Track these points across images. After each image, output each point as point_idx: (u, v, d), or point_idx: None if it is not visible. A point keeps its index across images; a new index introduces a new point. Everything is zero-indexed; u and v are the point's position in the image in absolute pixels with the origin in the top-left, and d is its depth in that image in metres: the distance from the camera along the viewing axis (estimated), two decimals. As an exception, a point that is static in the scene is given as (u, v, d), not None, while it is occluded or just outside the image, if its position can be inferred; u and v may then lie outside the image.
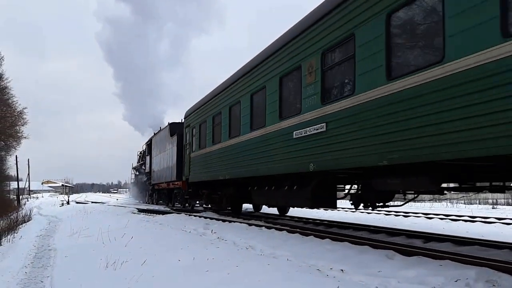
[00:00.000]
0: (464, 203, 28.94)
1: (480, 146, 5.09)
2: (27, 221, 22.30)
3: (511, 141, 4.72)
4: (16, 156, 52.69)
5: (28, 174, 75.70)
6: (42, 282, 7.80)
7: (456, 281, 4.84)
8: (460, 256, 6.14)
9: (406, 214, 17.31)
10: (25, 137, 38.45)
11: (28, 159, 75.75)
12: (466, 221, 13.92)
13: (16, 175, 57.41)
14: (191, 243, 9.14)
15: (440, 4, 5.77)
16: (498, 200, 32.41)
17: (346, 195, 10.00)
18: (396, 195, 9.04)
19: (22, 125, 37.19)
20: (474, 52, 5.19)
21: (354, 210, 18.22)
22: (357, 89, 7.33)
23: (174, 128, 23.94)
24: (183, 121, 20.91)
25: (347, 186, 9.96)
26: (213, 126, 15.38)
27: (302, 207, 11.77)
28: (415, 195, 9.17)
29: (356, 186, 9.43)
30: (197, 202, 21.34)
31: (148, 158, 32.86)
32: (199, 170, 17.21)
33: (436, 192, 7.81)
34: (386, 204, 9.00)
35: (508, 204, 31.42)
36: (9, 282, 7.73)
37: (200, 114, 17.19)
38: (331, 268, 6.03)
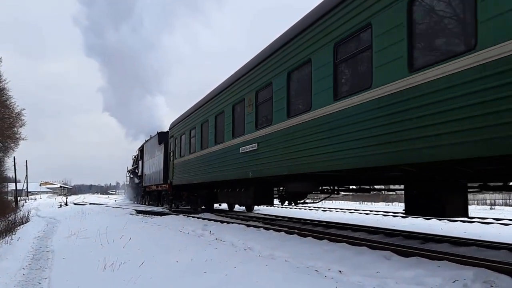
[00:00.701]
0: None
1: (339, 162, 7.56)
2: (25, 223, 22.24)
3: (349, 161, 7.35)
4: (14, 157, 52.62)
5: (26, 175, 75.48)
6: (40, 283, 7.79)
7: (453, 281, 4.84)
8: (458, 257, 6.15)
9: (404, 216, 17.32)
10: (23, 139, 38.34)
11: (26, 161, 75.37)
12: (464, 221, 13.92)
13: (14, 176, 57.33)
14: (189, 244, 9.14)
15: None
16: (496, 200, 32.50)
17: (277, 195, 13.31)
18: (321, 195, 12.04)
19: (20, 127, 37.11)
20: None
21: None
22: (273, 121, 10.24)
23: (162, 137, 26.58)
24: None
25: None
26: (190, 138, 18.37)
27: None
28: (327, 195, 12.01)
29: (281, 188, 12.60)
30: (182, 202, 23.60)
31: (140, 162, 35.47)
32: (180, 175, 20.12)
33: (317, 192, 11.26)
34: (304, 201, 12.55)
35: (506, 204, 31.51)
36: (7, 283, 7.71)
37: (181, 127, 20.19)
38: (329, 269, 6.04)
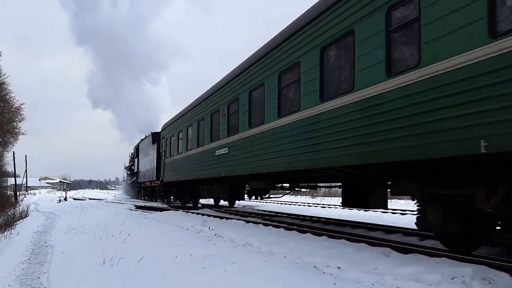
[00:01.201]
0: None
1: (278, 165, 9.82)
2: (24, 217, 22.28)
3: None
4: (13, 152, 52.60)
5: (26, 170, 75.43)
6: (39, 278, 7.81)
7: (452, 278, 4.84)
8: (457, 254, 6.15)
9: (403, 212, 17.34)
10: (22, 133, 38.27)
11: (26, 156, 75.28)
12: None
13: (13, 171, 57.30)
14: (189, 240, 9.14)
15: None
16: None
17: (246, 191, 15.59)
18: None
19: (20, 121, 37.02)
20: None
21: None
22: (239, 130, 12.39)
23: (155, 137, 28.62)
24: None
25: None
26: (178, 140, 20.62)
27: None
28: (288, 191, 14.83)
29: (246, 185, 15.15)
30: (172, 198, 25.99)
31: (136, 160, 37.76)
32: (170, 173, 22.42)
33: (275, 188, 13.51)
34: (269, 196, 15.10)
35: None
36: (6, 278, 7.73)
37: (171, 129, 22.51)
38: (328, 265, 6.04)
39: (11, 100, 35.16)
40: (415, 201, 7.05)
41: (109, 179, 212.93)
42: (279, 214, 16.97)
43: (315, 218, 14.21)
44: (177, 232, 10.68)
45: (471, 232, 6.26)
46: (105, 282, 6.39)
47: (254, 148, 11.27)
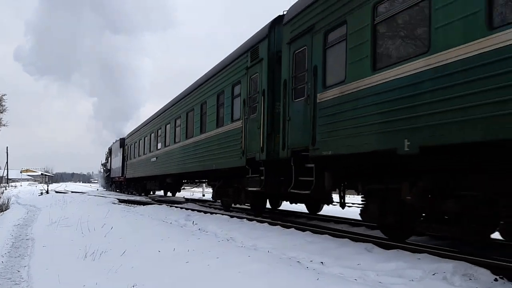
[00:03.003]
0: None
1: (175, 169, 19.28)
2: (5, 210, 21.92)
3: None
4: (-6, 144, 51.65)
5: (7, 162, 74.48)
6: (19, 271, 7.69)
7: (433, 274, 4.90)
8: (438, 250, 6.23)
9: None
10: (4, 125, 37.71)
11: (7, 147, 74.42)
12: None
13: (-6, 163, 56.32)
14: (172, 234, 9.09)
15: None
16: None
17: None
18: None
19: (1, 112, 36.44)
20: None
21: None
22: (161, 147, 21.47)
23: (122, 142, 37.11)
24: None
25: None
26: (135, 148, 30.13)
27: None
28: (195, 185, 27.64)
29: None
30: (131, 190, 34.51)
31: (109, 159, 46.57)
32: (130, 171, 31.91)
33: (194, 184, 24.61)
34: (180, 189, 26.98)
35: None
36: (-16, 271, 7.59)
37: (131, 139, 32.49)
38: (311, 261, 6.07)
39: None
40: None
41: (92, 172, 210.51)
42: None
43: (299, 214, 14.26)
44: (161, 226, 10.61)
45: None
46: (87, 276, 6.31)
47: (165, 158, 20.67)
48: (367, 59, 6.66)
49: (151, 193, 30.84)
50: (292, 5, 9.46)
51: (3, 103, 36.56)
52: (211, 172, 14.72)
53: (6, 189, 54.52)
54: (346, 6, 7.21)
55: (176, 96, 19.75)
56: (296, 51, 8.96)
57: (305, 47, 8.62)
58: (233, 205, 13.91)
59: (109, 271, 6.27)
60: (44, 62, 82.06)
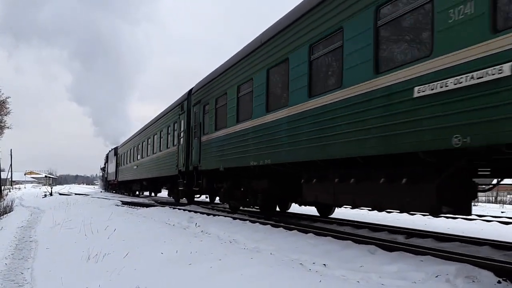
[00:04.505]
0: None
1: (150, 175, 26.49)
2: (9, 212, 22.02)
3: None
4: (-2, 146, 51.81)
5: (11, 164, 74.70)
6: (22, 273, 7.71)
7: (436, 276, 4.89)
8: (441, 252, 6.22)
9: (389, 211, 17.45)
10: (8, 127, 37.84)
11: (11, 150, 74.51)
12: (447, 217, 14.08)
13: (-2, 165, 56.48)
14: (175, 236, 9.10)
15: None
16: (479, 197, 32.90)
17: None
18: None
19: (5, 115, 36.59)
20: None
21: None
22: (139, 158, 29.51)
23: (116, 151, 43.37)
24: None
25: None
26: (125, 156, 36.78)
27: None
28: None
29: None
30: (123, 191, 40.66)
31: (106, 164, 52.89)
32: (121, 175, 38.87)
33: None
34: (160, 189, 31.48)
35: (488, 201, 31.94)
36: (-12, 273, 7.61)
37: (123, 149, 39.12)
38: (313, 263, 6.06)
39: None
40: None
41: (96, 174, 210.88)
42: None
43: (302, 216, 14.23)
44: (163, 228, 10.63)
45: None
46: (89, 278, 6.33)
47: (141, 166, 27.74)
48: (213, 125, 13.99)
49: (137, 193, 36.53)
50: (195, 85, 16.70)
51: (7, 106, 36.66)
52: (163, 177, 22.95)
53: (10, 192, 54.72)
54: (215, 92, 13.90)
55: (150, 121, 27.45)
56: (195, 111, 16.16)
57: (197, 110, 15.82)
58: (241, 208, 14.77)
59: (112, 273, 6.28)
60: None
